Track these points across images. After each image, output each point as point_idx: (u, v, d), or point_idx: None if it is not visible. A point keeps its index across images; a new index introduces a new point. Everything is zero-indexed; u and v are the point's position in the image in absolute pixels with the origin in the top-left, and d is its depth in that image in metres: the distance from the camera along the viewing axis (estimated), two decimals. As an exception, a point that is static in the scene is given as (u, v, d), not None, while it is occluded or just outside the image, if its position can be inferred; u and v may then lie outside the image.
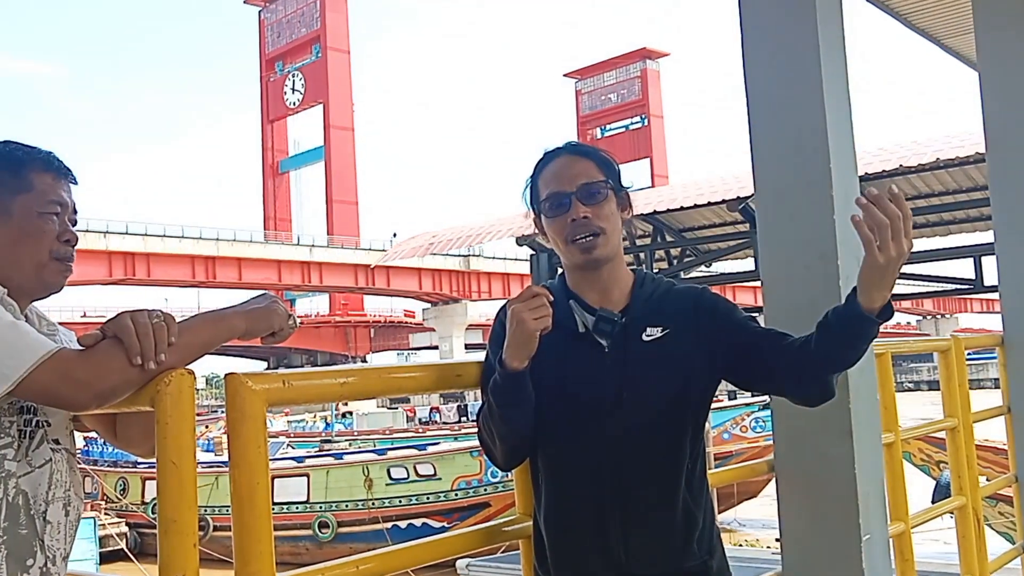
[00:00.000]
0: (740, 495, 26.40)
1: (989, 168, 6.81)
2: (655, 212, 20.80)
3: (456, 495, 27.82)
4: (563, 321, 3.08)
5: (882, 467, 4.48)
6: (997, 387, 6.92)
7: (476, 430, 3.25)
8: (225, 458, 2.46)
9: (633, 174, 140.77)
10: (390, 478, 28.61)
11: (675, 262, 22.67)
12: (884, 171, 16.63)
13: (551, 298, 2.93)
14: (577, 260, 3.17)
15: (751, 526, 28.58)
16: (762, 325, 3.21)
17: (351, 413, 64.42)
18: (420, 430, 53.95)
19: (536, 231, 3.33)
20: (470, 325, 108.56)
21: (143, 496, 32.55)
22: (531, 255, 23.10)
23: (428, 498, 28.09)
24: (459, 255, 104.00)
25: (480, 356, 3.25)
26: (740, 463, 5.86)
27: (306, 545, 28.74)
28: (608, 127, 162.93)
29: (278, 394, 2.55)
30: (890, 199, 2.65)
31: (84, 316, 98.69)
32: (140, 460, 28.67)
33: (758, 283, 4.71)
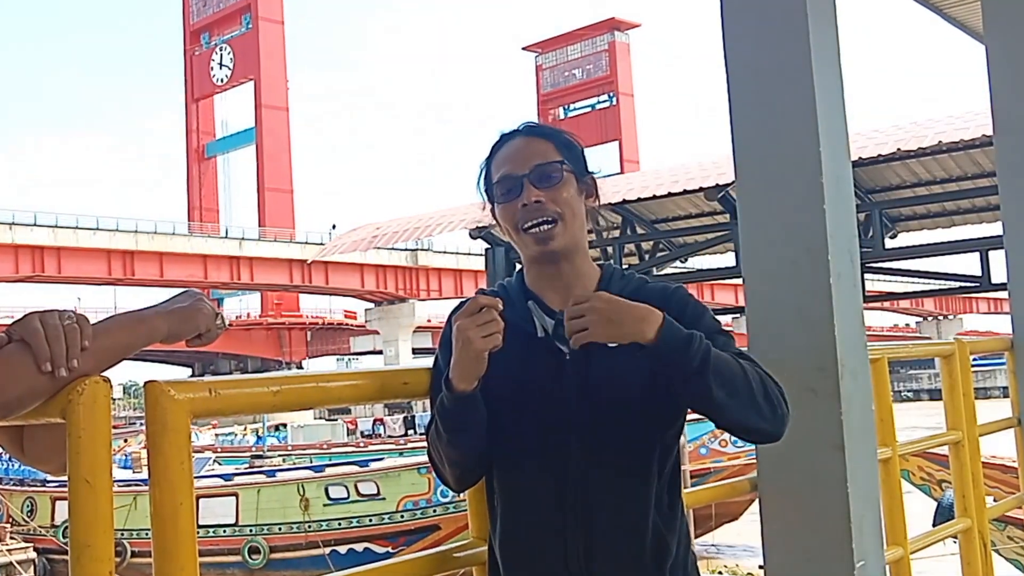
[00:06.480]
0: (719, 517, 26.39)
1: (997, 152, 6.82)
2: (624, 201, 20.78)
3: (402, 517, 27.72)
4: (521, 324, 3.07)
5: (878, 486, 4.49)
6: (1006, 396, 6.93)
7: (425, 446, 3.23)
8: (145, 476, 2.44)
9: (600, 159, 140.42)
10: (328, 498, 28.50)
11: (647, 257, 22.69)
12: (880, 155, 16.62)
13: (500, 308, 2.91)
14: (532, 251, 3.14)
15: (732, 552, 28.65)
16: (734, 344, 3.12)
17: (285, 425, 64.29)
18: (362, 444, 53.78)
19: (492, 222, 3.31)
20: (418, 327, 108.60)
21: (53, 518, 32.32)
22: (486, 249, 23.01)
23: (371, 520, 27.98)
24: (406, 249, 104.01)
25: (429, 362, 3.24)
26: (719, 481, 5.87)
27: (235, 572, 28.61)
28: (572, 106, 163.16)
29: (204, 404, 2.54)
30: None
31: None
32: (50, 478, 28.55)
33: (739, 280, 4.72)
